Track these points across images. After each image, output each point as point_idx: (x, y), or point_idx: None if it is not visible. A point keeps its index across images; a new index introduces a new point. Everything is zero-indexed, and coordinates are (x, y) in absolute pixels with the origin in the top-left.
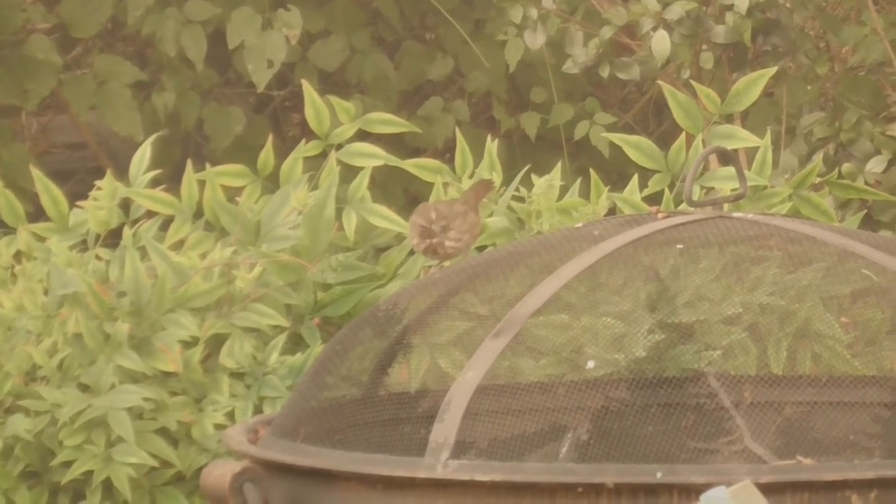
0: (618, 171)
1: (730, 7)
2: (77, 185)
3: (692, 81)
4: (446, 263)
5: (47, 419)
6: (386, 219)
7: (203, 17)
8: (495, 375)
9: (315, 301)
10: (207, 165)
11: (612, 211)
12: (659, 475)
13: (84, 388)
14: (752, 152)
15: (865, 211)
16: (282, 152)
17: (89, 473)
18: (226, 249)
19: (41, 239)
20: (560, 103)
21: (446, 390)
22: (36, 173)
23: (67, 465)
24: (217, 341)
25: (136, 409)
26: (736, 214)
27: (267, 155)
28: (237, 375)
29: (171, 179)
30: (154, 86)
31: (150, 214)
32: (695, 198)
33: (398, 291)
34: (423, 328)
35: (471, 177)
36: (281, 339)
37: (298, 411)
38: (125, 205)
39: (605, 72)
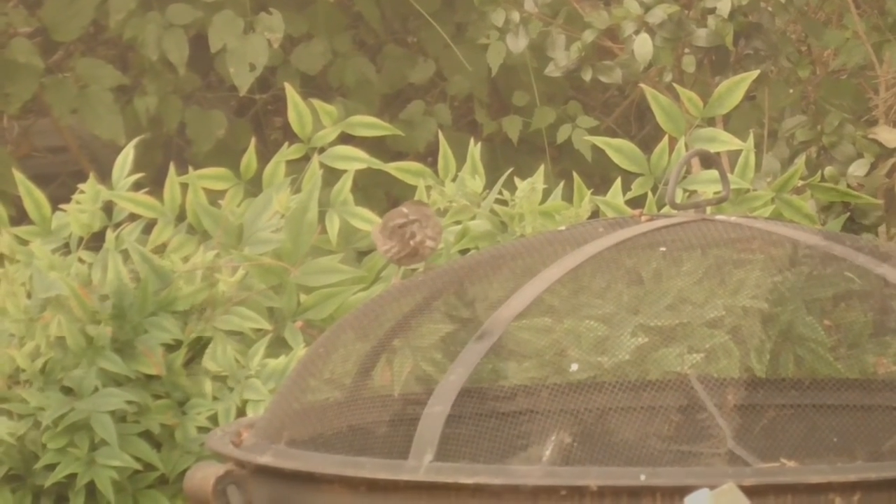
0: (600, 175)
1: (712, 11)
2: (59, 189)
3: (674, 85)
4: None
5: (30, 422)
6: (368, 222)
7: (185, 20)
8: (478, 378)
9: (298, 304)
10: (190, 169)
11: (595, 214)
12: (642, 478)
13: (67, 391)
14: (734, 155)
15: (848, 214)
16: (264, 156)
17: (72, 476)
18: (208, 253)
19: (24, 242)
20: (542, 107)
21: (429, 393)
22: (18, 176)
23: (50, 468)
24: (200, 344)
25: (119, 413)
26: (719, 217)
27: (249, 158)
28: (220, 378)
29: (153, 183)
30: (136, 89)
31: (133, 218)
32: (677, 201)
33: (381, 294)
34: (406, 331)
35: (453, 180)
36: (264, 343)
37: (282, 414)
38: (108, 208)
39: (587, 75)
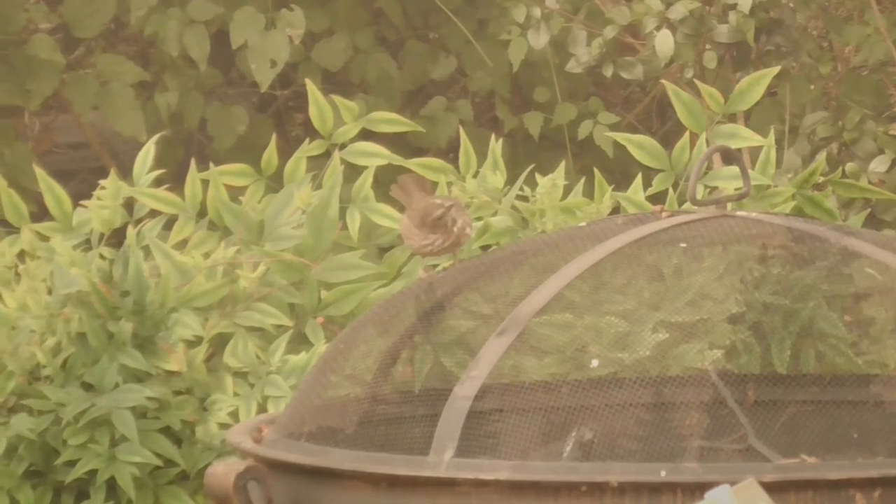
0: (621, 171)
1: (733, 6)
2: (80, 185)
3: (696, 81)
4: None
5: (51, 418)
6: (389, 218)
7: (206, 16)
8: (499, 374)
9: (319, 300)
10: (211, 165)
11: (616, 210)
12: (663, 474)
13: (88, 387)
14: (755, 151)
15: (869, 210)
16: (285, 152)
17: (93, 472)
18: (229, 249)
19: (45, 238)
20: (563, 103)
21: (450, 389)
22: (40, 173)
23: (71, 464)
24: (221, 341)
25: (139, 409)
26: (739, 213)
27: (270, 154)
28: (241, 374)
29: (174, 179)
30: (157, 86)
31: (154, 214)
32: (698, 197)
33: (402, 290)
34: (427, 327)
35: (475, 176)
36: (285, 339)
37: (302, 410)
38: (129, 204)
39: (608, 71)
